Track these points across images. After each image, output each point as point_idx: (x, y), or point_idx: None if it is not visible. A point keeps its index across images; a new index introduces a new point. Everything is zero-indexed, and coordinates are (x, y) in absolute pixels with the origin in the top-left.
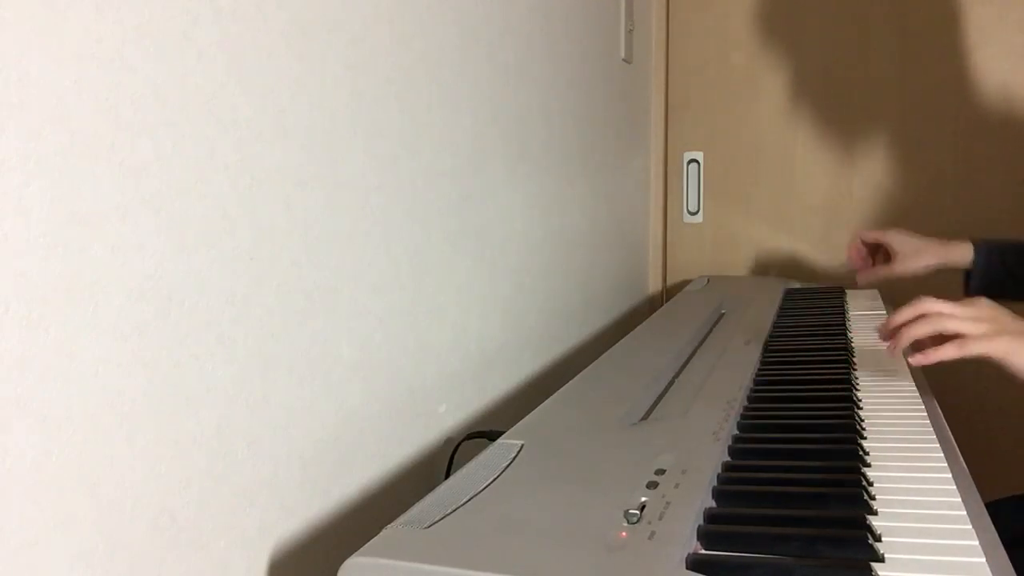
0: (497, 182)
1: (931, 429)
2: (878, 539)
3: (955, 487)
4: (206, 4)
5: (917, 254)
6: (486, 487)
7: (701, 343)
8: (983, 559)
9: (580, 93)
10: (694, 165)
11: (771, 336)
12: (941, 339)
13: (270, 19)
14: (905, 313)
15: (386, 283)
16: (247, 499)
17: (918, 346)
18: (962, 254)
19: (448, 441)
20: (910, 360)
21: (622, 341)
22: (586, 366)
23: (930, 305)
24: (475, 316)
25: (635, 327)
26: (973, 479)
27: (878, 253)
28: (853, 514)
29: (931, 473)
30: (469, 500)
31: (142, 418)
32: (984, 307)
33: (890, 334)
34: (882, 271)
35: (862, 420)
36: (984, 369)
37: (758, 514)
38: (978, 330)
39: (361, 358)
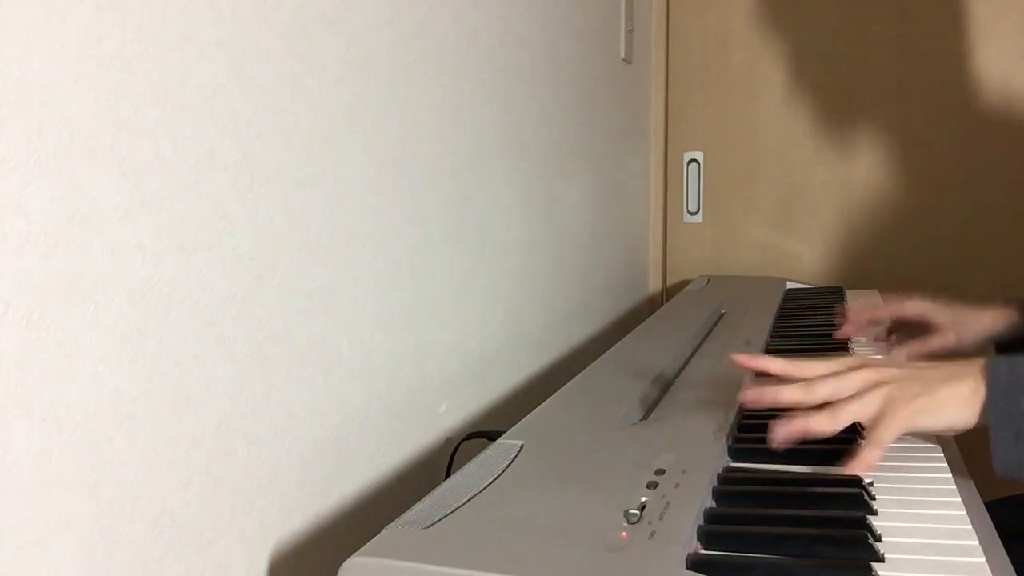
0: (497, 182)
1: None
2: (878, 539)
3: (955, 487)
4: (206, 4)
5: (965, 323)
6: (486, 487)
7: (701, 343)
8: (983, 559)
9: (580, 93)
10: (694, 165)
11: (771, 336)
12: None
13: (270, 19)
14: (792, 396)
15: (386, 283)
16: (247, 499)
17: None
18: (1003, 317)
19: (448, 441)
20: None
21: (622, 341)
22: (586, 366)
23: (817, 391)
24: (475, 316)
25: (635, 327)
26: (973, 479)
27: (899, 328)
28: (853, 514)
29: (931, 473)
30: (469, 500)
31: (142, 418)
32: (853, 363)
33: (782, 431)
34: (936, 346)
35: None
36: None
37: (758, 514)
38: (871, 407)
39: (361, 358)
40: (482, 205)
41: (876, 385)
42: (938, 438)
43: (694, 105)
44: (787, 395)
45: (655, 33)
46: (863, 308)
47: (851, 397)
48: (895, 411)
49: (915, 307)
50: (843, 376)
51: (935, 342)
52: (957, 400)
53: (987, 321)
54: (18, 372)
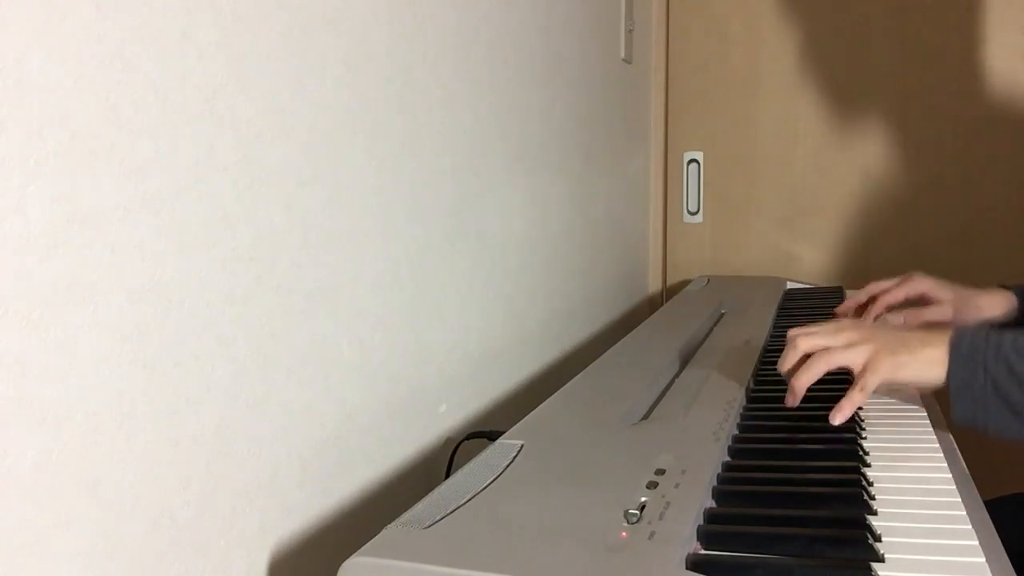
0: (497, 182)
1: (931, 429)
2: (878, 539)
3: (955, 487)
4: (206, 4)
5: (966, 301)
6: (486, 487)
7: (701, 343)
8: (983, 559)
9: (580, 93)
10: (694, 165)
11: (771, 336)
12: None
13: (270, 19)
14: (789, 359)
15: (386, 283)
16: (247, 499)
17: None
18: (1001, 302)
19: (448, 441)
20: (834, 423)
21: (622, 341)
22: (586, 366)
23: (805, 341)
24: (475, 316)
25: (635, 327)
26: (973, 479)
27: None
28: (853, 514)
29: (931, 473)
30: (469, 500)
31: (142, 418)
32: (844, 325)
33: (791, 390)
34: (933, 317)
35: (862, 420)
36: None
37: (758, 514)
38: (859, 356)
39: (361, 358)
40: (482, 205)
41: (864, 341)
42: (937, 438)
43: (694, 105)
44: (790, 356)
45: (655, 33)
46: (876, 285)
47: (844, 347)
48: (880, 362)
49: (920, 284)
50: (835, 333)
51: (932, 313)
52: (931, 361)
53: (986, 303)
54: (18, 372)
